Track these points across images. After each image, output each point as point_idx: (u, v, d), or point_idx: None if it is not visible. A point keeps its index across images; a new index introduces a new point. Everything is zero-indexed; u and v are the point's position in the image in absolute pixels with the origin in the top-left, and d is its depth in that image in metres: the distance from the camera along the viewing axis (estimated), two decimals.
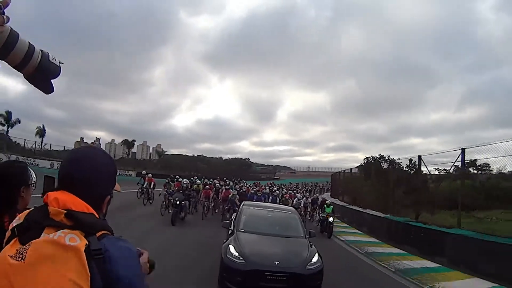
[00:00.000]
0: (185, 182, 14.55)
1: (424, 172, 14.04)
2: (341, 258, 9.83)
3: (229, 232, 6.77)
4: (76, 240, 0.85)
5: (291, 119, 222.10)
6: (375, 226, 14.41)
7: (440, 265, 9.11)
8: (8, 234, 0.90)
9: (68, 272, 0.82)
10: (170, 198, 13.64)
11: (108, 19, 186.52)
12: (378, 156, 21.55)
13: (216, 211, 16.05)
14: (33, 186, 1.72)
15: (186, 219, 12.82)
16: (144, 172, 19.72)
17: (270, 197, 17.84)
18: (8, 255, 0.84)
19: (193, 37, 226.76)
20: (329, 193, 30.63)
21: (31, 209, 0.95)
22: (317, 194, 23.07)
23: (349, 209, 18.96)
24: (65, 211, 0.89)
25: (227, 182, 22.70)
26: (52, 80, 0.94)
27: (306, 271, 5.42)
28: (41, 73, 0.89)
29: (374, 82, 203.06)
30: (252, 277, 5.21)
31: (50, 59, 0.91)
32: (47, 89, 0.93)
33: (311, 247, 6.14)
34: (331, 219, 13.55)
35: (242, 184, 23.54)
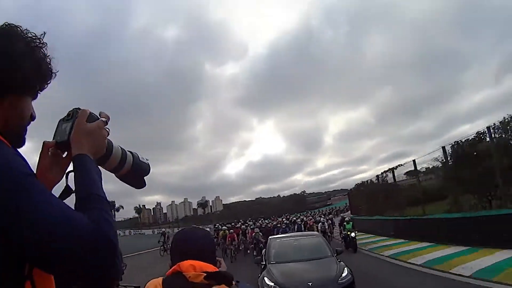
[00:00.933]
0: None
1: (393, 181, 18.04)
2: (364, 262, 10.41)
3: (262, 267, 7.20)
4: None
5: (338, 141, 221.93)
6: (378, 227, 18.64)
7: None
8: None
9: None
10: None
11: (142, 90, 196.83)
12: (361, 182, 26.42)
13: (248, 251, 16.31)
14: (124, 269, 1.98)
15: None
16: (163, 229, 20.56)
17: (296, 226, 18.20)
18: None
19: (223, 86, 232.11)
20: (349, 212, 31.07)
21: (163, 278, 1.13)
22: (331, 215, 24.79)
23: (360, 220, 21.27)
24: (205, 273, 1.08)
25: (249, 223, 23.07)
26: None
27: (338, 286, 5.79)
28: (134, 173, 0.96)
29: (409, 82, 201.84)
30: None
31: (140, 159, 0.97)
32: (140, 185, 1.00)
33: (340, 263, 6.55)
34: (352, 234, 13.87)
35: (261, 221, 24.11)
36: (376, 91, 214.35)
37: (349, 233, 14.05)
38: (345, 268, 6.27)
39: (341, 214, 27.69)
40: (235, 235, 15.93)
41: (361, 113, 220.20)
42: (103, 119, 0.88)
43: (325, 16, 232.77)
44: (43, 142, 0.87)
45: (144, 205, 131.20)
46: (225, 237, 16.08)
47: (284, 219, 24.29)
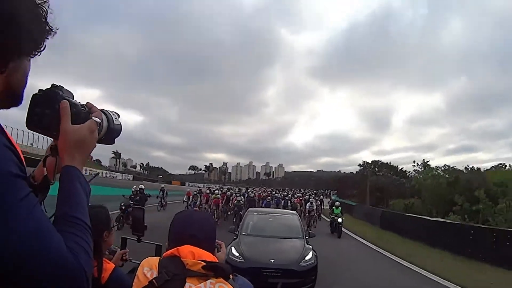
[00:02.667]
0: (133, 189, 12.95)
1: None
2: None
3: (234, 237, 7.38)
4: (224, 287, 1.03)
5: (407, 124, 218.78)
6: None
7: None
8: (143, 284, 1.01)
9: None
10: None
11: (215, 47, 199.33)
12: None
13: (226, 216, 16.76)
14: (114, 229, 1.77)
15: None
16: (162, 185, 21.13)
17: (283, 202, 18.52)
18: None
19: (299, 54, 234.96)
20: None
21: (160, 259, 1.09)
22: (321, 197, 27.36)
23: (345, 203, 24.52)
24: (204, 263, 1.05)
25: (237, 190, 23.56)
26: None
27: (299, 268, 5.91)
28: (107, 137, 0.91)
29: (485, 75, 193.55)
30: (250, 273, 5.76)
31: (114, 122, 0.92)
32: (109, 144, 0.96)
33: (307, 246, 6.65)
34: (339, 220, 13.81)
35: (250, 191, 24.46)
36: (450, 79, 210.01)
37: (336, 218, 14.06)
38: (311, 252, 6.36)
39: (332, 197, 28.51)
40: (220, 201, 16.25)
41: (432, 99, 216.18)
42: (96, 119, 0.80)
43: None
44: None
45: (211, 163, 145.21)
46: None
47: (274, 192, 24.78)
